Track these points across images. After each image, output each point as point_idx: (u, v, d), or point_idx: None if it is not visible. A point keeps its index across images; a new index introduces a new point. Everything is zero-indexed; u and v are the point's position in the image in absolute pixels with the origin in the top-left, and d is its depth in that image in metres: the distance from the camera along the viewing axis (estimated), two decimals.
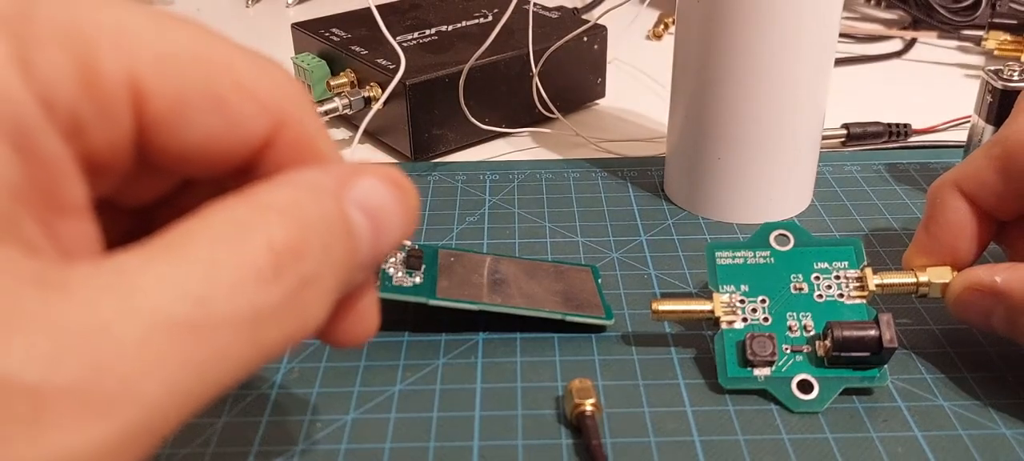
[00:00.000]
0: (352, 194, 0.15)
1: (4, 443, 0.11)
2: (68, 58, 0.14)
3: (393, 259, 0.30)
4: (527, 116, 0.46)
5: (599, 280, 0.32)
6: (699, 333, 0.29)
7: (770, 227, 0.29)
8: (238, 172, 0.17)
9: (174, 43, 0.15)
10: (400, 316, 0.30)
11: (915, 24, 0.62)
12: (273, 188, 0.14)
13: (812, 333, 0.27)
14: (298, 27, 0.50)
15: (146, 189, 0.18)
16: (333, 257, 0.14)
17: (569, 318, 0.29)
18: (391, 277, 0.29)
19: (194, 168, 0.16)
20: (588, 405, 0.25)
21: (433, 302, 0.29)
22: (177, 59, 0.15)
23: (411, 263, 0.30)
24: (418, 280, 0.30)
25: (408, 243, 0.32)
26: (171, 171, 0.17)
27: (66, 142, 0.14)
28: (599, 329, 0.30)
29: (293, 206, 0.14)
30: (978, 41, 0.57)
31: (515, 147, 0.45)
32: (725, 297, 0.28)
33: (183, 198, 0.19)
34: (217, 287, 0.12)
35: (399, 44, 0.43)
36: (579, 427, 0.25)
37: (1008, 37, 0.55)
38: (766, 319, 0.28)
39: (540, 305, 0.30)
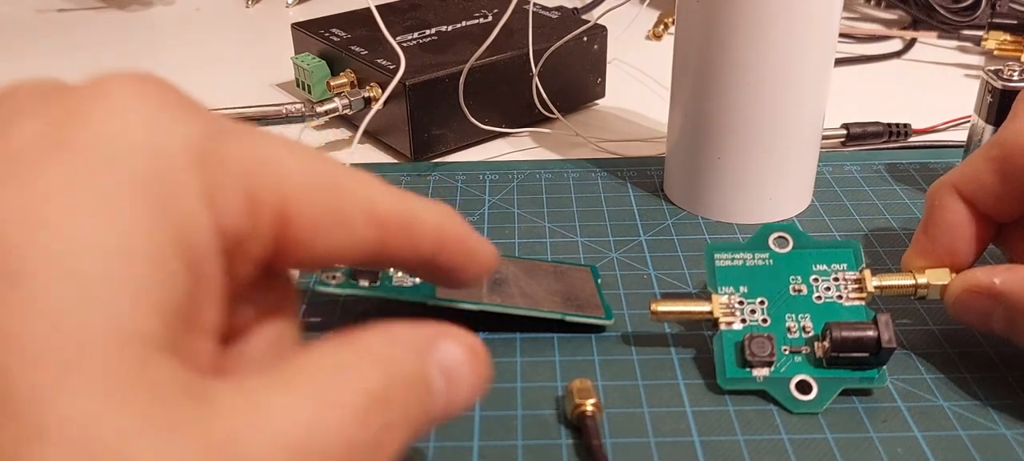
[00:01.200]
0: (435, 355, 0.17)
1: None
2: (242, 191, 0.17)
3: None
4: (527, 116, 0.46)
5: (599, 280, 0.32)
6: (699, 333, 0.29)
7: (769, 229, 0.29)
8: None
9: (315, 174, 0.18)
10: (400, 316, 0.30)
11: (915, 24, 0.62)
12: (372, 337, 0.17)
13: (811, 334, 0.27)
14: (298, 27, 0.50)
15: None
16: (411, 408, 0.16)
17: (569, 318, 0.29)
18: (391, 277, 0.29)
19: (307, 265, 0.20)
20: (589, 405, 0.25)
21: (433, 302, 0.29)
22: (317, 188, 0.18)
23: None
24: (418, 280, 0.30)
25: None
26: (282, 267, 0.19)
27: (224, 267, 0.17)
28: (599, 329, 0.30)
29: (387, 359, 0.16)
30: (978, 41, 0.57)
31: (515, 147, 0.45)
32: (724, 298, 0.28)
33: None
34: (325, 421, 0.14)
35: (399, 44, 0.43)
36: (579, 427, 0.25)
37: (1008, 37, 0.55)
38: (765, 320, 0.28)
39: (540, 305, 0.30)
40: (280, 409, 0.14)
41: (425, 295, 0.29)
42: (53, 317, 0.13)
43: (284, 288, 0.20)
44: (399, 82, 0.41)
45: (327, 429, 0.14)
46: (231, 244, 0.17)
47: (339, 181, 0.19)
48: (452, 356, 0.18)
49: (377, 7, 0.44)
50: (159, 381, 0.13)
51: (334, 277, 0.28)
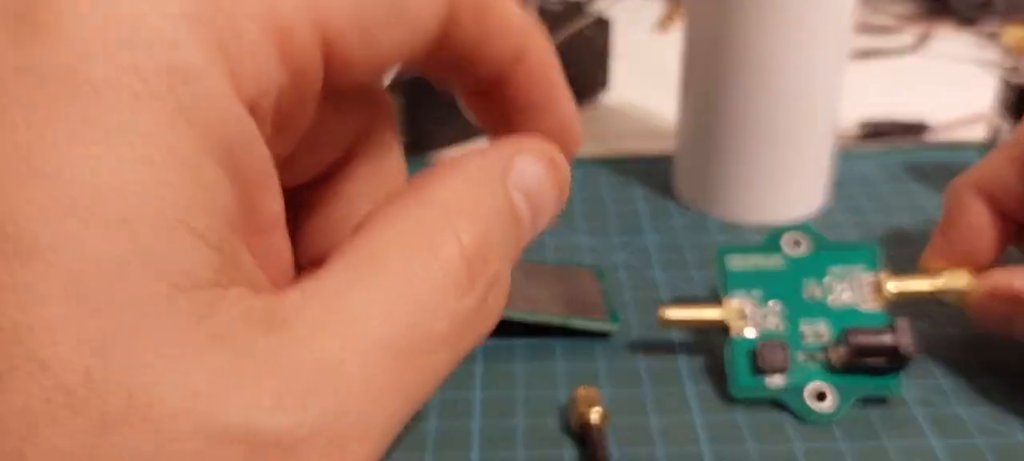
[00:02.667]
0: (514, 178, 0.15)
1: None
2: (267, 35, 0.13)
3: None
4: None
5: (604, 283, 0.32)
6: (708, 339, 0.29)
7: (783, 230, 0.29)
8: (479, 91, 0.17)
9: None
10: None
11: (930, 17, 0.62)
12: (446, 182, 0.14)
13: (826, 340, 0.27)
14: None
15: (306, 166, 0.17)
16: (509, 251, 0.15)
17: (572, 323, 0.29)
18: None
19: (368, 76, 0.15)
20: (594, 414, 0.25)
21: None
22: None
23: None
24: None
25: None
26: (359, 103, 0.16)
27: (270, 144, 0.13)
28: (604, 335, 0.29)
29: (474, 205, 0.14)
30: (995, 36, 0.56)
31: None
32: (736, 303, 0.28)
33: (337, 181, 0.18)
34: (423, 309, 0.13)
35: None
36: (584, 437, 0.25)
37: None
38: (779, 326, 0.27)
39: (542, 309, 0.29)
40: (369, 309, 0.12)
41: None
42: (73, 300, 0.10)
43: (365, 99, 0.17)
44: (394, 76, 0.40)
45: (429, 317, 0.13)
46: (272, 113, 0.13)
47: None
48: (532, 175, 0.16)
49: None
50: (223, 326, 0.11)
51: None
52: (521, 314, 0.29)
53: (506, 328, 0.29)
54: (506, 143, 0.16)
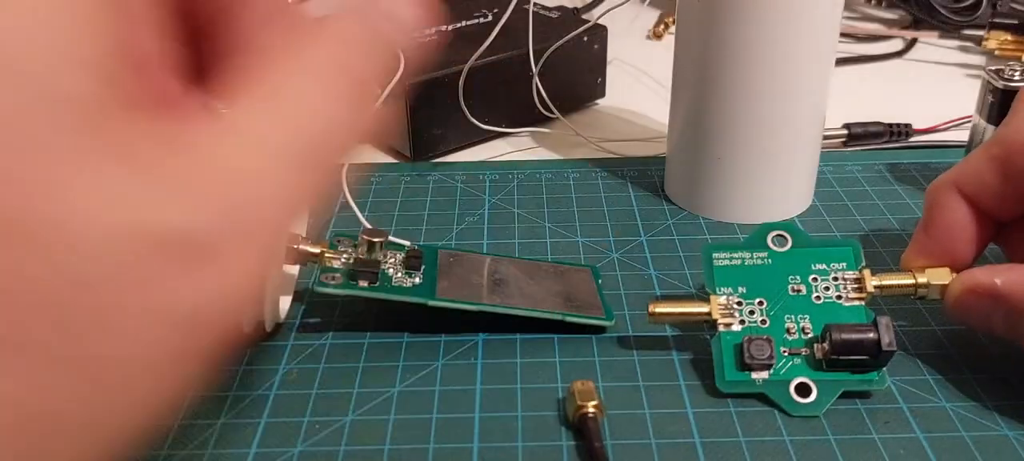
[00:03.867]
0: (381, 7, 0.17)
1: (196, 286, 0.12)
2: None
3: (393, 260, 0.30)
4: (527, 116, 0.46)
5: (599, 280, 0.32)
6: (700, 334, 0.29)
7: (768, 228, 0.29)
8: None
9: None
10: (399, 317, 0.30)
11: (916, 24, 0.62)
12: (325, 25, 0.16)
13: (810, 336, 0.27)
14: None
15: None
16: (377, 65, 0.17)
17: (569, 319, 0.29)
18: (391, 278, 0.29)
19: None
20: (590, 407, 0.25)
21: (433, 303, 0.29)
22: None
23: (410, 263, 0.30)
24: (418, 281, 0.30)
25: (407, 244, 0.32)
26: None
27: None
28: (599, 330, 0.30)
29: (345, 30, 0.16)
30: (979, 41, 0.56)
31: (515, 147, 0.45)
32: (722, 299, 0.28)
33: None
34: (314, 118, 0.14)
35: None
36: (581, 429, 0.25)
37: (1009, 37, 0.55)
38: (764, 321, 0.28)
39: (540, 306, 0.30)
40: (267, 126, 0.14)
41: (424, 296, 0.29)
42: None
43: None
44: (398, 81, 0.41)
45: (320, 125, 0.14)
46: None
47: None
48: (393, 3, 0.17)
49: None
50: (126, 146, 0.12)
51: (334, 277, 0.28)
52: (520, 310, 0.29)
53: (507, 324, 0.30)
54: None
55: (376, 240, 0.29)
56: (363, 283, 0.29)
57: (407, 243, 0.32)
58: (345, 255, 0.30)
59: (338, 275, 0.29)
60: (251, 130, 0.14)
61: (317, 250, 0.29)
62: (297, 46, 0.16)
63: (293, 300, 0.31)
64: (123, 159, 0.12)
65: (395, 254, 0.31)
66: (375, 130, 0.17)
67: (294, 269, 0.31)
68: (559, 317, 0.29)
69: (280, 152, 0.14)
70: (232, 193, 0.13)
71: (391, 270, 0.30)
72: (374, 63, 0.17)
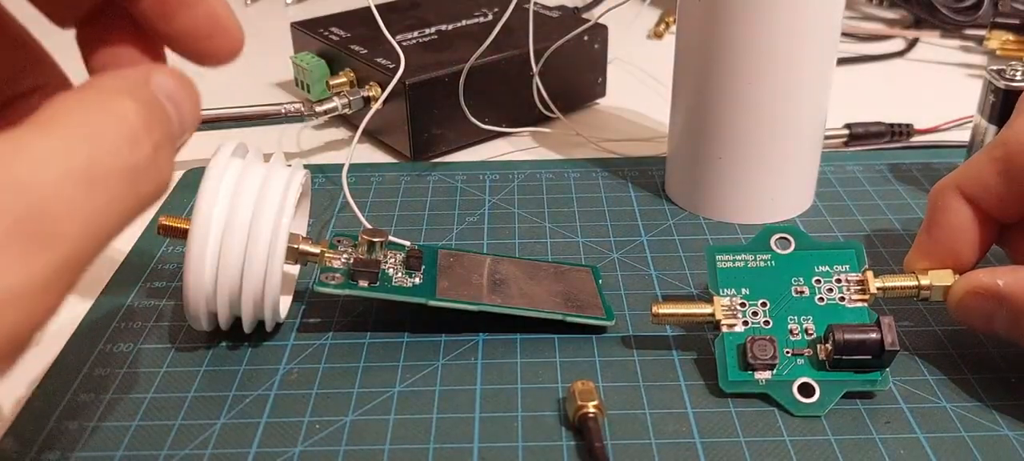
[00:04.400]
0: (155, 83, 0.18)
1: None
2: None
3: (393, 260, 0.30)
4: (527, 116, 0.46)
5: (600, 281, 0.32)
6: (700, 334, 0.29)
7: (771, 230, 0.29)
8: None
9: None
10: (399, 317, 0.30)
11: (917, 23, 0.62)
12: (105, 81, 0.18)
13: (813, 336, 0.27)
14: (297, 26, 0.50)
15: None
16: (167, 129, 0.18)
17: (569, 319, 0.29)
18: (391, 277, 0.29)
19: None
20: (591, 407, 0.25)
21: (433, 303, 0.29)
22: None
23: (411, 264, 0.30)
24: (418, 281, 0.29)
25: (407, 244, 0.32)
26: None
27: None
28: (600, 330, 0.30)
29: (132, 89, 0.17)
30: (981, 41, 0.56)
31: (515, 147, 0.45)
32: (725, 300, 0.28)
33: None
34: (100, 149, 0.16)
35: (399, 43, 0.43)
36: (581, 429, 0.25)
37: (1011, 37, 0.55)
38: (767, 322, 0.28)
39: (540, 306, 0.29)
40: (54, 150, 0.15)
41: (424, 296, 0.29)
42: None
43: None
44: (399, 81, 0.41)
45: (107, 154, 0.16)
46: None
47: None
48: (168, 84, 0.19)
49: (377, 6, 0.43)
50: None
51: (334, 277, 0.28)
52: (521, 310, 0.29)
53: (507, 323, 0.30)
54: (141, 66, 0.20)
55: (376, 240, 0.29)
56: (363, 283, 0.28)
57: (407, 243, 0.32)
58: (345, 255, 0.30)
59: (338, 275, 0.29)
60: (42, 153, 0.15)
61: (317, 250, 0.29)
62: (87, 97, 0.17)
63: (293, 300, 0.31)
64: None
65: (395, 254, 0.30)
66: (164, 175, 0.18)
67: (294, 269, 0.31)
68: (559, 317, 0.29)
69: (71, 175, 0.15)
70: (27, 202, 0.14)
71: (391, 270, 0.30)
72: (166, 128, 0.18)
